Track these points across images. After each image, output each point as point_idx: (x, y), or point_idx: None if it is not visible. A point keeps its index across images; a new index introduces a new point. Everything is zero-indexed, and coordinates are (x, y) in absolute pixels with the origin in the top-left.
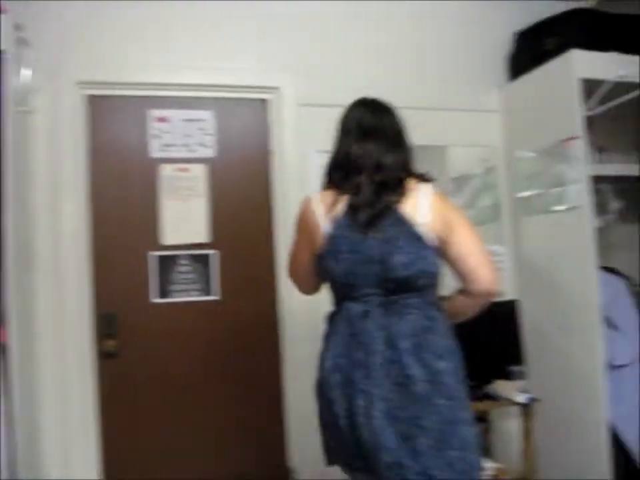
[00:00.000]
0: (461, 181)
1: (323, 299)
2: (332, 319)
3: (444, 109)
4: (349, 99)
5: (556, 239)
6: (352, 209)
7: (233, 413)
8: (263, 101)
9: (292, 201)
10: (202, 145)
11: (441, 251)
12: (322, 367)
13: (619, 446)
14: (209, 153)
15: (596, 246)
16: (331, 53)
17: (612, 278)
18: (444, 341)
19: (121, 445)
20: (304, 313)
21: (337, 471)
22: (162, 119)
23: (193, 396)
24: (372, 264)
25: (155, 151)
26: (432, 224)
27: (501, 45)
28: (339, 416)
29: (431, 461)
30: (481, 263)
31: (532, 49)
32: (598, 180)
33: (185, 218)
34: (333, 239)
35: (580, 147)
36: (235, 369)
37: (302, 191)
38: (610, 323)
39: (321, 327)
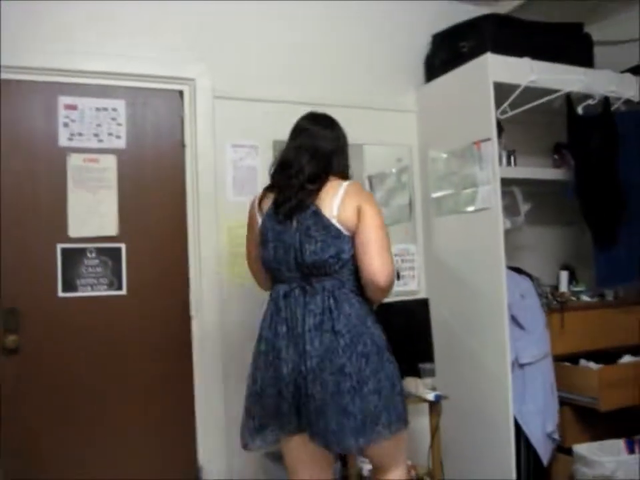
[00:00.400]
0: (376, 180)
1: (232, 298)
2: (267, 302)
3: (361, 107)
4: (265, 93)
5: (467, 239)
6: (275, 205)
7: (139, 412)
8: (178, 92)
9: (205, 196)
10: (113, 135)
11: (351, 239)
12: (257, 342)
13: (525, 442)
14: (120, 143)
15: (505, 247)
16: (249, 48)
17: (519, 278)
18: (345, 319)
19: (20, 446)
20: (214, 311)
21: (243, 469)
22: (71, 107)
23: (98, 394)
24: (290, 251)
25: (64, 140)
26: (343, 215)
27: (420, 46)
28: (257, 380)
29: (314, 425)
30: (375, 254)
31: (448, 51)
32: (508, 182)
33: (93, 210)
34: (263, 229)
35: (491, 149)
36: (143, 366)
37: (215, 185)
38: (516, 322)
39: (230, 323)
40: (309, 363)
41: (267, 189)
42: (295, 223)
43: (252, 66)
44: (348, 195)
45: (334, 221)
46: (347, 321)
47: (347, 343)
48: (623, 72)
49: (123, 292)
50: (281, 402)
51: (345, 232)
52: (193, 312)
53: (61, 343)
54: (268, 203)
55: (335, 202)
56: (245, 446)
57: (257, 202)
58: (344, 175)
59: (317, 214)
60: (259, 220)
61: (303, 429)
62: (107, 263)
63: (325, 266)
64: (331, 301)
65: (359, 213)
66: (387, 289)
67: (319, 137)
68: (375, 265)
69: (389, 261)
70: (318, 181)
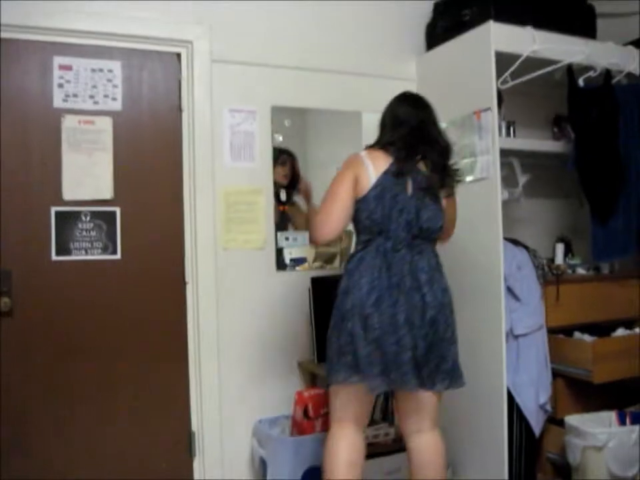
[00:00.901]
0: None
1: (228, 264)
2: (358, 255)
3: (361, 74)
4: (264, 58)
5: (464, 209)
6: (396, 169)
7: (132, 377)
8: (176, 55)
9: (201, 160)
10: (109, 97)
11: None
12: (358, 291)
13: (517, 413)
14: (115, 105)
15: (502, 218)
16: (249, 11)
17: (516, 249)
18: (444, 280)
19: (14, 408)
20: (209, 277)
21: (234, 436)
22: (66, 67)
23: (91, 358)
24: (405, 213)
25: (59, 101)
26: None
27: (421, 14)
28: (375, 327)
29: (434, 364)
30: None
31: (450, 19)
32: (507, 153)
33: (88, 173)
34: (377, 187)
35: (491, 119)
36: (136, 332)
37: (212, 150)
38: (512, 294)
39: (225, 289)
40: (429, 313)
41: (376, 148)
42: (410, 189)
43: (251, 30)
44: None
45: (441, 196)
46: (444, 279)
47: (449, 299)
48: (625, 45)
49: (117, 256)
50: (400, 350)
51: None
52: (188, 278)
53: (55, 307)
54: (381, 161)
55: (440, 181)
56: (371, 391)
57: (365, 157)
58: None
59: (431, 187)
60: (370, 175)
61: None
62: (101, 227)
63: (433, 232)
64: (433, 261)
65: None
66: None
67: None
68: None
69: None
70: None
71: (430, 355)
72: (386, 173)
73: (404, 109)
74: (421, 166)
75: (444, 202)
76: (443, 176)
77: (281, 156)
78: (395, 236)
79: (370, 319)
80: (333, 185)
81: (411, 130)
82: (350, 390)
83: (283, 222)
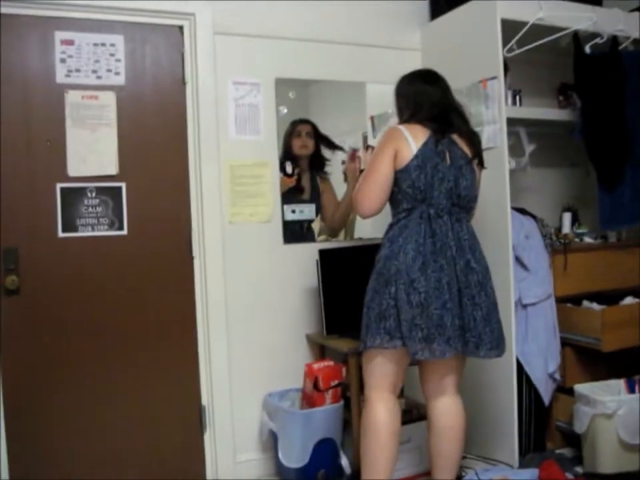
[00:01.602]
0: (379, 120)
1: (234, 238)
2: (401, 223)
3: (365, 45)
4: (267, 30)
5: None
6: (435, 141)
7: (141, 353)
8: (178, 27)
9: (206, 133)
10: (112, 71)
11: None
12: (404, 255)
13: (527, 382)
14: (119, 80)
15: (509, 187)
16: None
17: (524, 219)
18: (480, 246)
19: (21, 385)
20: (217, 251)
21: (244, 411)
22: (68, 42)
23: (99, 335)
24: (445, 181)
25: (61, 77)
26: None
27: None
28: (419, 291)
29: (482, 327)
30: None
31: None
32: (513, 122)
33: (92, 149)
34: (419, 157)
35: (498, 87)
36: (144, 308)
37: (217, 123)
38: (520, 263)
39: (233, 263)
40: (475, 277)
41: (412, 122)
42: (448, 159)
43: (253, 1)
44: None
45: (475, 167)
46: (480, 246)
47: (487, 265)
48: (631, 11)
49: (124, 232)
50: (445, 313)
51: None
52: (195, 252)
53: (62, 284)
54: (419, 133)
55: (473, 152)
56: (414, 355)
57: (403, 130)
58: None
59: (466, 157)
60: (411, 145)
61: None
62: (107, 203)
63: (470, 201)
64: (471, 229)
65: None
66: None
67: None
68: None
69: None
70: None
71: (477, 318)
72: (425, 143)
73: (424, 86)
74: (455, 137)
75: (477, 173)
76: (475, 145)
77: (297, 126)
78: (437, 203)
79: (416, 283)
80: (374, 159)
81: (438, 104)
82: (387, 355)
83: (290, 194)
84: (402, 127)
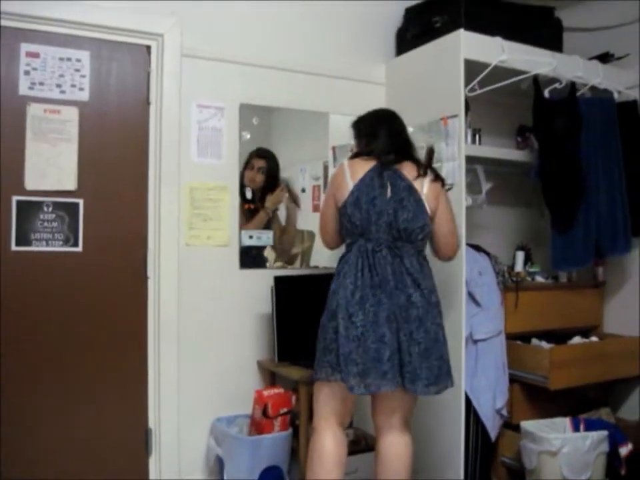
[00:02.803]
0: (341, 150)
1: (190, 260)
2: (345, 257)
3: (331, 76)
4: (234, 55)
5: None
6: (375, 175)
7: (90, 372)
8: (146, 47)
9: (167, 154)
10: (76, 86)
11: (430, 219)
12: (344, 290)
13: (474, 417)
14: (83, 96)
15: (465, 223)
16: (221, 7)
17: (478, 255)
18: (430, 281)
19: None
20: (171, 272)
21: (191, 434)
22: (33, 54)
23: (48, 351)
24: (384, 215)
25: (24, 89)
26: (428, 197)
27: (392, 19)
28: (356, 325)
29: (417, 363)
30: (452, 236)
31: (421, 25)
32: (471, 160)
33: (52, 163)
34: (354, 193)
35: (458, 125)
36: (95, 326)
37: (179, 145)
38: (473, 299)
39: (187, 285)
40: (415, 312)
41: (354, 157)
42: (389, 192)
43: (222, 26)
44: (432, 184)
45: (423, 199)
46: (430, 281)
47: (436, 300)
48: (590, 59)
49: (79, 249)
50: (381, 347)
51: (428, 211)
52: (150, 273)
53: (13, 297)
54: (359, 169)
55: (425, 186)
56: (351, 389)
57: (346, 167)
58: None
59: (412, 189)
60: (348, 183)
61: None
62: (63, 218)
63: (414, 234)
64: (416, 264)
65: (437, 201)
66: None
67: (398, 124)
68: (451, 249)
69: (456, 241)
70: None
71: (412, 354)
72: (362, 179)
73: (376, 120)
74: (401, 167)
75: (430, 203)
76: (419, 165)
77: (253, 159)
78: (375, 238)
79: (354, 317)
80: (322, 206)
81: (385, 139)
82: (332, 387)
83: (248, 220)
84: (345, 163)
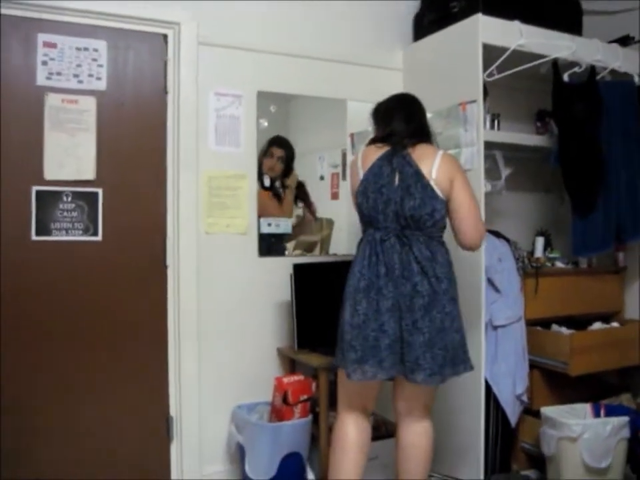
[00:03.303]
0: (359, 137)
1: (209, 248)
2: (358, 245)
3: (348, 62)
4: (251, 43)
5: None
6: (383, 163)
7: (111, 361)
8: (162, 36)
9: (185, 143)
10: (93, 76)
11: (446, 203)
12: (352, 278)
13: (494, 403)
14: (100, 85)
15: (485, 210)
16: None
17: (498, 241)
18: (443, 268)
19: None
20: (190, 260)
21: (213, 422)
22: (51, 45)
23: (70, 341)
24: (392, 204)
25: (42, 79)
26: (439, 180)
27: (409, 5)
28: (359, 313)
29: (420, 352)
30: (467, 221)
31: (438, 10)
32: (490, 146)
33: (70, 153)
34: (363, 182)
35: (477, 111)
36: (115, 315)
37: (197, 134)
38: (492, 285)
39: (206, 274)
40: (420, 301)
41: (373, 143)
42: (397, 180)
43: (239, 14)
44: (444, 162)
45: (433, 184)
46: (442, 268)
47: (446, 287)
48: (610, 42)
49: (98, 238)
50: (380, 336)
51: (441, 195)
52: (169, 261)
53: (34, 287)
54: (371, 157)
55: (435, 168)
56: (348, 376)
57: (360, 157)
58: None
59: (419, 175)
60: (360, 174)
61: (396, 370)
62: (82, 208)
63: (422, 221)
64: (426, 252)
65: (452, 181)
66: (477, 249)
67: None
68: (471, 232)
69: (479, 224)
70: (417, 143)
71: (413, 343)
72: (371, 168)
73: (393, 104)
74: (410, 152)
75: (442, 186)
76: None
77: (272, 147)
78: (383, 227)
79: (358, 305)
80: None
81: (399, 123)
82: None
83: (267, 207)
84: (361, 152)
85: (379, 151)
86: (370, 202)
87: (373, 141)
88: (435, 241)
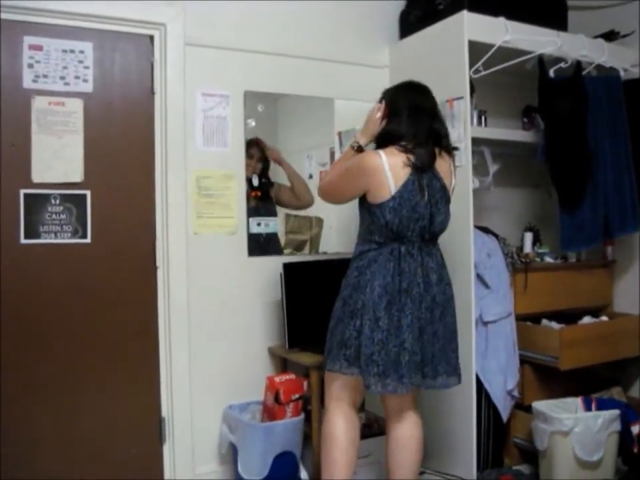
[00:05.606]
0: (347, 135)
1: (199, 248)
2: (370, 254)
3: (334, 61)
4: (238, 42)
5: None
6: (417, 179)
7: (102, 363)
8: (149, 37)
9: (173, 143)
10: (80, 78)
11: None
12: (370, 291)
13: (485, 399)
14: (87, 87)
15: (473, 206)
16: None
17: (486, 237)
18: (447, 273)
19: None
20: (180, 261)
21: (204, 423)
22: (37, 47)
23: (60, 342)
24: (421, 220)
25: (28, 82)
26: (451, 187)
27: (395, 2)
28: (382, 329)
29: (438, 360)
30: None
31: (424, 7)
32: (478, 142)
33: (58, 155)
34: (396, 199)
35: (464, 107)
36: (106, 317)
37: (185, 134)
38: (482, 281)
39: (196, 274)
40: (438, 311)
41: (386, 141)
42: (426, 196)
43: (225, 14)
44: (454, 170)
45: (449, 193)
46: (448, 272)
47: (451, 292)
48: (595, 37)
49: (88, 240)
50: (402, 352)
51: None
52: (159, 262)
53: (23, 290)
54: (401, 171)
55: (451, 176)
56: (367, 387)
57: (383, 161)
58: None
59: (444, 189)
60: (392, 187)
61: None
62: (71, 210)
63: (440, 232)
64: (440, 259)
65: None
66: None
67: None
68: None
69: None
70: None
71: (434, 353)
72: (405, 184)
73: (418, 97)
74: (436, 166)
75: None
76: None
77: (250, 149)
78: (409, 242)
79: (380, 321)
80: (344, 175)
81: (430, 119)
82: (345, 378)
83: (256, 208)
84: (384, 159)
85: (405, 165)
86: (404, 221)
87: (389, 137)
88: (438, 246)
